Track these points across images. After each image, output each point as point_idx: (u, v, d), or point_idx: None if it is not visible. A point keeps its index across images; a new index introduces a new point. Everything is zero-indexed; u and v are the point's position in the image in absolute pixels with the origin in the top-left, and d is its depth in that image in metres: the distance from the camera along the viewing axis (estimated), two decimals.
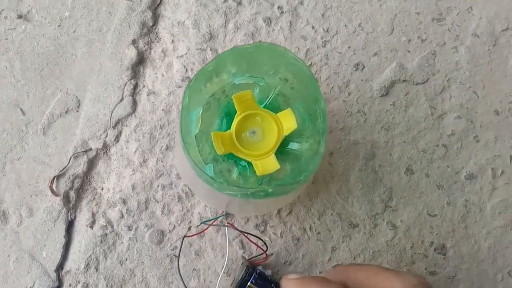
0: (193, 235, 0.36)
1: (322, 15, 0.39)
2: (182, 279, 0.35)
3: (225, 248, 0.37)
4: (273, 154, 0.32)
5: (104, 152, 0.39)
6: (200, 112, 0.32)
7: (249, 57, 0.31)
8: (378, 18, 0.39)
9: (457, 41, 0.39)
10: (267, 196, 0.31)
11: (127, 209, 0.38)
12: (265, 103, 0.34)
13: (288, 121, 0.32)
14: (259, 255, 0.36)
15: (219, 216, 0.36)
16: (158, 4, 0.40)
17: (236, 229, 0.35)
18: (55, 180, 0.38)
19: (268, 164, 0.32)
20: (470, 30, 0.39)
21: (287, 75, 0.32)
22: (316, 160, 0.31)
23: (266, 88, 0.33)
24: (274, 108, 0.33)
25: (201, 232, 0.36)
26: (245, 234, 0.35)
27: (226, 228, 0.36)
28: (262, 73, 0.32)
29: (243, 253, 0.37)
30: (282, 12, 0.39)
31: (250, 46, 0.30)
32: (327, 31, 0.39)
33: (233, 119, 0.34)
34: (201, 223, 0.36)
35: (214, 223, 0.36)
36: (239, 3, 0.39)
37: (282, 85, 0.33)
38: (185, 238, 0.37)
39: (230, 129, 0.34)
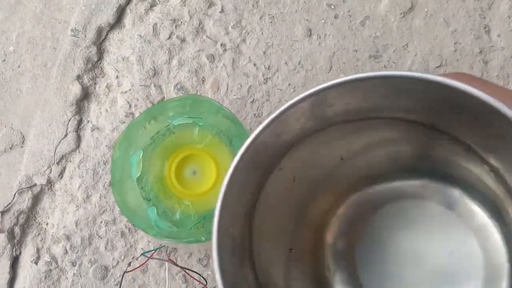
0: (134, 269, 0.37)
1: (264, 52, 0.40)
2: None
3: (168, 283, 0.37)
4: (212, 192, 0.33)
5: (48, 188, 0.39)
6: (141, 155, 0.33)
7: (183, 103, 0.32)
8: (317, 56, 0.40)
9: None
10: (202, 241, 0.32)
11: (71, 245, 0.38)
12: (205, 141, 0.35)
13: (224, 159, 0.33)
14: None
15: (158, 248, 0.37)
16: (103, 40, 0.41)
17: (176, 265, 0.36)
18: (0, 216, 0.39)
19: (208, 202, 0.34)
20: (406, 67, 0.40)
21: (229, 114, 0.33)
22: None
23: (206, 127, 0.34)
24: (216, 146, 0.35)
25: (141, 265, 0.37)
26: (185, 270, 0.36)
27: (167, 263, 0.36)
28: (200, 114, 0.33)
29: (186, 287, 0.38)
30: (225, 50, 0.40)
31: (175, 99, 0.31)
32: (268, 68, 0.40)
33: (174, 158, 0.35)
34: (141, 255, 0.36)
35: (155, 256, 0.37)
36: (183, 40, 0.40)
37: (223, 123, 0.34)
38: (129, 274, 0.37)
39: (171, 168, 0.35)
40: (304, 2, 0.40)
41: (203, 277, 0.36)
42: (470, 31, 0.40)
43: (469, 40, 0.40)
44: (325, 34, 0.40)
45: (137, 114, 0.39)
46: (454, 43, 0.41)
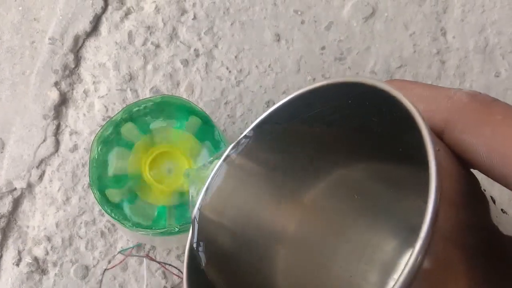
0: (113, 267, 0.38)
1: (236, 57, 0.42)
2: None
3: (148, 280, 0.39)
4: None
5: (28, 191, 0.40)
6: (117, 154, 0.34)
7: (157, 102, 0.34)
8: (286, 59, 0.42)
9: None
10: (178, 233, 0.33)
11: (51, 246, 0.39)
12: (179, 140, 0.36)
13: (196, 157, 0.35)
14: (180, 283, 0.39)
15: (135, 246, 0.38)
16: (80, 47, 0.42)
17: (154, 260, 0.37)
18: None
19: (181, 197, 0.35)
20: (368, 68, 0.43)
21: (202, 113, 0.35)
22: None
23: (180, 126, 0.36)
24: (189, 144, 0.36)
25: (120, 262, 0.38)
26: (164, 266, 0.38)
27: (145, 259, 0.38)
28: (174, 113, 0.35)
29: (166, 283, 0.39)
30: (198, 55, 0.42)
31: (150, 99, 0.33)
32: (240, 71, 0.42)
33: (149, 156, 0.36)
34: (118, 253, 0.38)
35: (132, 254, 0.38)
36: (157, 46, 0.42)
37: (197, 123, 0.36)
38: (109, 271, 0.39)
39: (146, 165, 0.36)
40: (272, 9, 0.43)
41: (182, 272, 0.38)
42: (428, 33, 0.43)
43: (426, 42, 0.43)
44: (292, 39, 0.42)
45: None
46: (413, 45, 0.43)
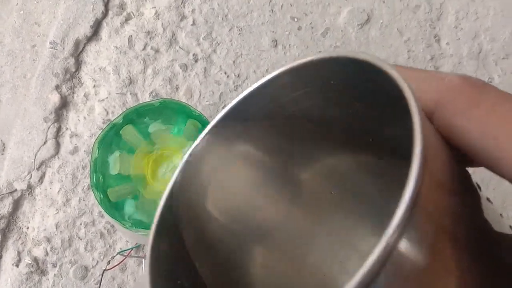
0: (113, 267, 0.39)
1: (233, 62, 0.43)
2: None
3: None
4: None
5: (29, 193, 0.41)
6: (118, 155, 0.35)
7: (157, 106, 0.35)
8: (283, 65, 0.43)
9: None
10: None
11: (51, 247, 0.40)
12: (178, 142, 0.37)
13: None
14: None
15: (134, 247, 0.39)
16: (81, 51, 0.43)
17: None
18: None
19: None
20: None
21: (200, 117, 0.36)
22: None
23: (179, 129, 0.36)
24: (187, 146, 0.37)
25: (120, 263, 0.38)
26: None
27: (143, 260, 0.38)
28: (174, 116, 0.36)
29: None
30: (197, 59, 0.43)
31: (149, 103, 0.33)
32: (238, 76, 0.43)
33: (150, 158, 0.37)
34: (117, 254, 0.38)
35: (131, 255, 0.38)
36: (157, 51, 0.43)
37: (195, 125, 0.36)
38: (108, 272, 0.39)
39: (147, 166, 0.37)
40: (270, 15, 0.44)
41: None
42: (422, 40, 0.44)
43: (421, 48, 0.44)
44: (289, 45, 0.43)
45: None
46: (408, 51, 0.44)
